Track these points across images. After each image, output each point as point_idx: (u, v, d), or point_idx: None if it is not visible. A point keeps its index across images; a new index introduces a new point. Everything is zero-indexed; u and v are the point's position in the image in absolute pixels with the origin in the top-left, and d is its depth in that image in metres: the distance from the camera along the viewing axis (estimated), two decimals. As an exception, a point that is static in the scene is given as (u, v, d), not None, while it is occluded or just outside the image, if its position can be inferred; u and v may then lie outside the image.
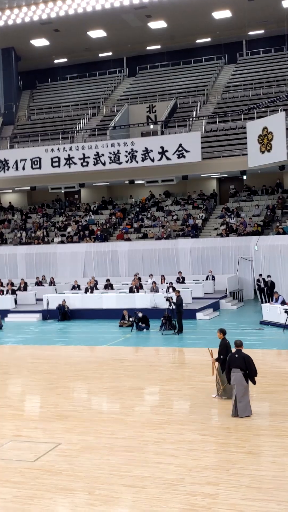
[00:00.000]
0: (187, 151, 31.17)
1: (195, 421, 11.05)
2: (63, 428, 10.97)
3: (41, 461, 9.28)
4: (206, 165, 32.47)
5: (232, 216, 32.44)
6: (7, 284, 29.44)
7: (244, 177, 34.32)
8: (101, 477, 8.56)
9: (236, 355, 11.19)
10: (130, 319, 23.09)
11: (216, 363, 12.43)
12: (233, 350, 11.52)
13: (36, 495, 8.02)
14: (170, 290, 25.13)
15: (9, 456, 9.57)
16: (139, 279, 27.71)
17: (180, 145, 31.34)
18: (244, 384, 11.07)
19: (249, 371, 11.09)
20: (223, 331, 12.50)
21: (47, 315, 26.15)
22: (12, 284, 29.48)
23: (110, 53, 44.04)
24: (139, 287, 26.48)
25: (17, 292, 28.85)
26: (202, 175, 34.21)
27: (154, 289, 25.85)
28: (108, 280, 28.65)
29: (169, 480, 8.35)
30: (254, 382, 11.18)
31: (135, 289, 26.21)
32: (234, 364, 11.14)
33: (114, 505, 7.67)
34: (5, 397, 13.70)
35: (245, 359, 11.12)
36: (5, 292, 28.59)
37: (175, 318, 21.53)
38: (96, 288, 27.77)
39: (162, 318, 21.85)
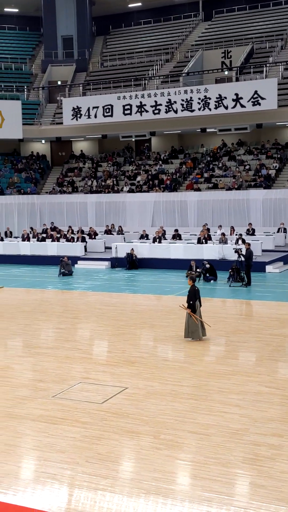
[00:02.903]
0: (262, 98, 30.14)
1: (261, 373, 11.01)
2: (129, 373, 11.18)
3: (109, 403, 9.53)
4: (282, 113, 31.34)
5: (307, 167, 31.37)
6: (78, 232, 29.92)
7: None
8: (166, 422, 8.70)
9: None
10: (198, 270, 23.02)
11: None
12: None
13: (104, 436, 8.26)
14: (240, 242, 24.81)
15: (78, 397, 9.88)
16: (208, 230, 27.49)
17: (256, 92, 30.31)
18: None
19: None
20: (193, 279, 13.78)
21: (116, 263, 26.47)
22: (82, 232, 29.94)
23: (185, -4, 42.67)
24: (208, 238, 26.28)
25: (87, 240, 29.30)
26: (277, 124, 33.07)
27: (223, 241, 25.58)
28: (176, 230, 28.57)
29: (233, 429, 8.40)
30: None
31: (204, 240, 26.04)
32: None
33: (178, 450, 7.80)
34: (74, 340, 14.08)
35: None
36: (75, 240, 29.08)
37: (243, 270, 21.30)
38: (164, 238, 27.78)
39: (230, 270, 21.66)
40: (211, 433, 8.27)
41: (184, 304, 13.73)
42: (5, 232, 32.24)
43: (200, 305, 13.65)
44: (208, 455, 7.62)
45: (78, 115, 34.63)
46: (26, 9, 44.72)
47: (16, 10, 45.09)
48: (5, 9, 44.86)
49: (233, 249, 22.87)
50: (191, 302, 13.40)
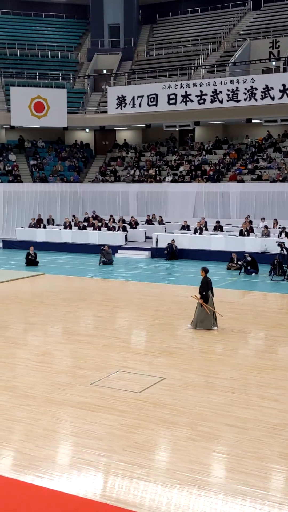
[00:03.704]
0: (310, 90, 29.55)
1: (301, 369, 10.86)
2: (167, 363, 11.19)
3: (146, 393, 9.56)
4: None
5: None
6: (119, 221, 30.02)
7: None
8: (203, 414, 8.68)
9: None
10: (239, 262, 22.85)
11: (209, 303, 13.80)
12: None
13: (141, 425, 8.29)
14: (283, 235, 24.47)
15: (116, 385, 9.94)
16: (250, 222, 27.21)
17: (304, 83, 29.74)
18: None
19: None
20: (205, 270, 13.96)
21: (156, 253, 26.48)
22: (124, 221, 30.03)
23: (234, -15, 42.05)
24: (250, 230, 26.03)
25: (127, 229, 29.37)
26: None
27: (266, 233, 25.28)
28: (218, 222, 28.38)
29: (272, 424, 8.31)
30: None
31: (246, 232, 25.80)
32: None
33: (215, 443, 7.77)
34: (113, 329, 14.16)
35: None
36: (116, 229, 29.19)
37: (286, 264, 21.03)
38: (206, 229, 27.63)
39: (272, 263, 21.41)
40: (249, 427, 8.21)
41: (196, 295, 13.91)
42: (48, 220, 32.61)
43: (213, 296, 13.89)
44: (245, 448, 7.57)
45: (123, 104, 34.63)
46: (74, -3, 44.91)
47: (64, -2, 45.31)
48: (53, -3, 45.15)
49: (276, 242, 22.60)
50: (203, 293, 13.64)
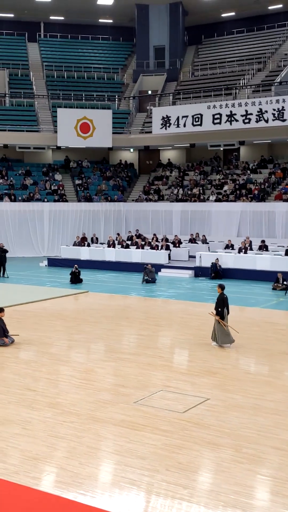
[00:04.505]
0: None
1: None
2: (211, 383, 11.05)
3: (190, 413, 9.44)
4: None
5: None
6: (162, 240, 30.06)
7: None
8: (248, 436, 8.51)
9: None
10: (285, 282, 22.52)
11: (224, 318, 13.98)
12: None
13: (184, 446, 8.18)
14: None
15: (159, 404, 9.85)
16: (296, 242, 26.83)
17: None
18: None
19: None
20: (221, 287, 14.22)
21: (199, 272, 26.35)
22: (167, 240, 30.05)
23: (280, 6, 42.04)
24: (296, 250, 25.66)
25: (171, 248, 29.37)
26: None
27: (311, 254, 24.89)
28: (263, 241, 28.10)
29: None
30: None
31: (291, 252, 25.44)
32: None
33: (260, 465, 7.60)
34: (156, 348, 14.10)
35: None
36: (159, 247, 29.21)
37: None
38: (251, 249, 27.38)
39: None
40: (295, 451, 8.01)
41: (213, 311, 14.05)
42: (92, 238, 32.91)
43: (228, 313, 14.00)
44: (291, 473, 7.38)
45: (167, 124, 34.87)
46: (120, 20, 45.66)
47: (111, 20, 46.13)
48: (100, 20, 46.01)
49: None
50: (219, 309, 13.81)
